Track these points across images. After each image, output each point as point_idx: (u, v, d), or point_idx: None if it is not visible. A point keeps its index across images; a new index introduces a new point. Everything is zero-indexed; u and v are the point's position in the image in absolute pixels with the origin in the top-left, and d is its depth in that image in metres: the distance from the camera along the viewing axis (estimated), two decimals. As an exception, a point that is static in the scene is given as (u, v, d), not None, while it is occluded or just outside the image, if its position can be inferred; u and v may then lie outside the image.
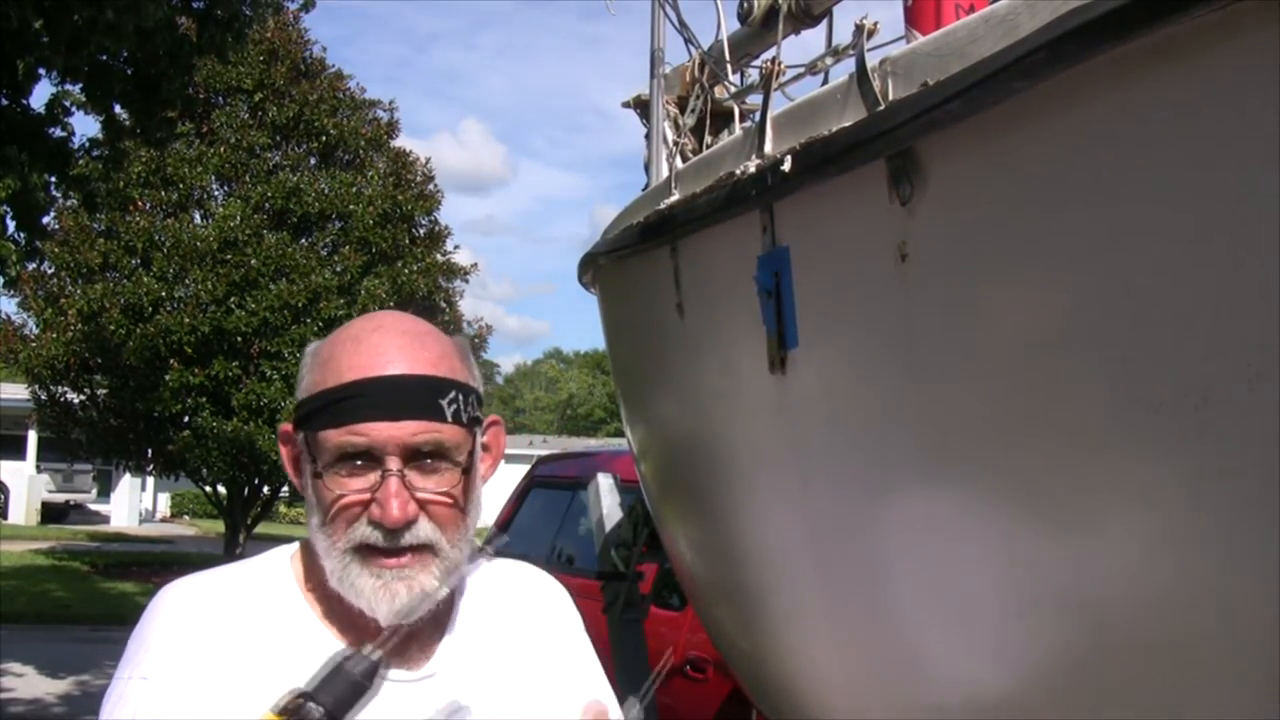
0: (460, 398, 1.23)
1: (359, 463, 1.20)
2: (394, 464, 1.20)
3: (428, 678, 1.26)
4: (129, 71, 6.88)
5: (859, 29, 1.38)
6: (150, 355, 14.10)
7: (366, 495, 1.20)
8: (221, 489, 15.26)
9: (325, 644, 1.22)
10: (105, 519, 26.51)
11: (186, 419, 14.38)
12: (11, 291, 13.85)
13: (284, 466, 1.29)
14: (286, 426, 1.26)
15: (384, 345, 1.23)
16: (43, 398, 16.03)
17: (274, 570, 1.28)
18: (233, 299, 13.98)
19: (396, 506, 1.19)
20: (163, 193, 14.95)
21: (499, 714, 1.27)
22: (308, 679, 1.18)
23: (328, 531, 1.22)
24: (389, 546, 1.21)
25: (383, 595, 1.23)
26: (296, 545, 1.30)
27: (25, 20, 5.74)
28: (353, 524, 1.21)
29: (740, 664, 2.12)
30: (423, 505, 1.21)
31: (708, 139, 2.30)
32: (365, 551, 1.21)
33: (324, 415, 1.21)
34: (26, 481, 25.52)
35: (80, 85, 6.93)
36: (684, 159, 2.05)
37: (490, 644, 1.32)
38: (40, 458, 25.38)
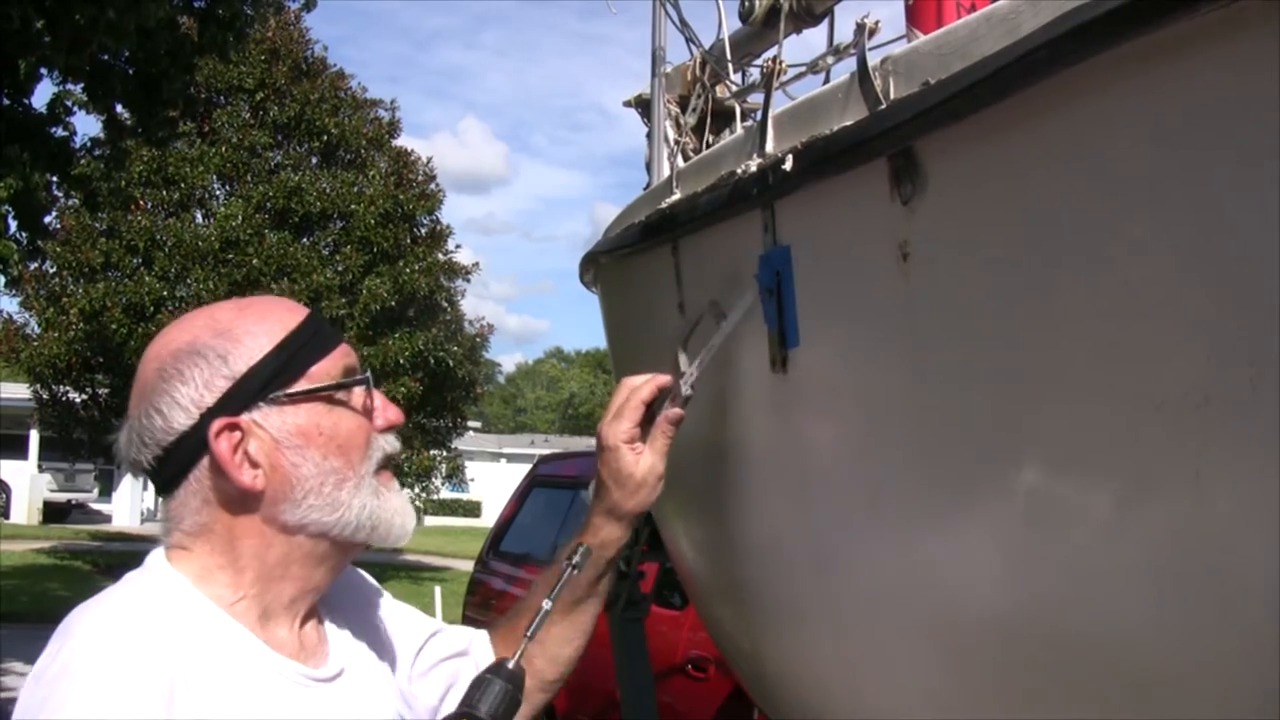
0: None
1: (360, 381, 1.26)
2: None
3: (339, 674, 1.29)
4: (130, 71, 6.89)
5: (860, 28, 1.38)
6: (152, 355, 14.08)
7: (370, 407, 1.27)
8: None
9: (270, 661, 1.22)
10: (107, 518, 26.52)
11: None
12: (13, 291, 13.88)
13: (233, 476, 1.19)
14: (221, 422, 1.19)
15: (279, 301, 1.31)
16: (44, 397, 16.06)
17: (181, 594, 1.20)
18: (234, 298, 14.01)
19: (394, 409, 1.30)
20: (164, 192, 14.97)
21: (397, 703, 1.37)
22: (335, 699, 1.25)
23: (346, 468, 1.24)
24: (394, 453, 1.29)
25: (408, 508, 1.31)
26: (164, 570, 1.22)
27: (27, 20, 5.74)
28: (370, 441, 1.27)
29: (741, 663, 2.12)
30: None
31: (709, 138, 2.30)
32: (380, 470, 1.27)
33: (303, 355, 1.23)
34: (28, 481, 25.52)
35: (82, 85, 6.94)
36: (685, 158, 2.05)
37: (347, 630, 1.37)
38: (42, 457, 25.39)
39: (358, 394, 1.27)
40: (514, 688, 1.30)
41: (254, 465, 1.20)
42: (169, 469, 1.22)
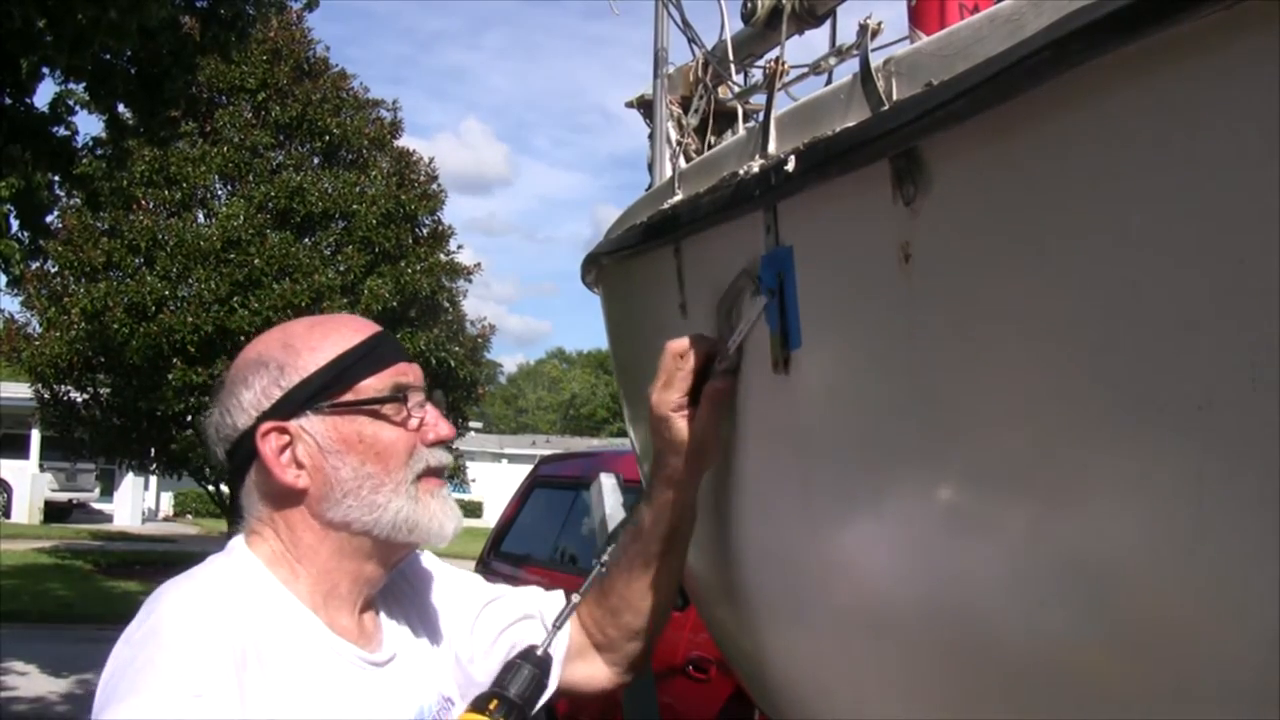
0: None
1: (402, 397, 1.38)
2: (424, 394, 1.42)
3: (392, 659, 1.42)
4: (132, 71, 6.90)
5: (863, 29, 1.37)
6: (153, 354, 14.13)
7: (418, 421, 1.40)
8: (224, 488, 15.27)
9: (331, 642, 1.36)
10: (108, 518, 26.55)
11: (189, 418, 14.42)
12: (15, 290, 13.91)
13: (278, 475, 1.35)
14: (268, 425, 1.34)
15: (350, 320, 1.44)
16: (46, 397, 16.07)
17: (255, 576, 1.35)
18: (236, 298, 14.02)
19: (446, 425, 1.43)
20: (166, 192, 14.99)
21: (449, 687, 1.50)
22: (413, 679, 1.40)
23: (383, 474, 1.36)
24: (439, 466, 1.41)
25: (449, 512, 1.42)
26: (243, 553, 1.38)
27: (29, 19, 5.75)
28: (412, 453, 1.39)
29: (742, 664, 2.12)
30: None
31: (711, 139, 2.30)
32: (422, 478, 1.39)
33: (354, 371, 1.36)
34: (29, 480, 25.56)
35: (84, 84, 6.95)
36: (687, 159, 2.05)
37: (402, 617, 1.51)
38: (43, 457, 25.44)
39: (409, 408, 1.40)
40: (541, 672, 1.48)
41: (299, 466, 1.35)
42: (234, 463, 1.38)
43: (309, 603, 1.35)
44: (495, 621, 1.61)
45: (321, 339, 1.38)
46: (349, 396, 1.36)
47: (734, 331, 1.59)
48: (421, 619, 1.53)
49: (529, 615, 1.64)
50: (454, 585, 1.61)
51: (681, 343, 1.62)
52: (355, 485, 1.34)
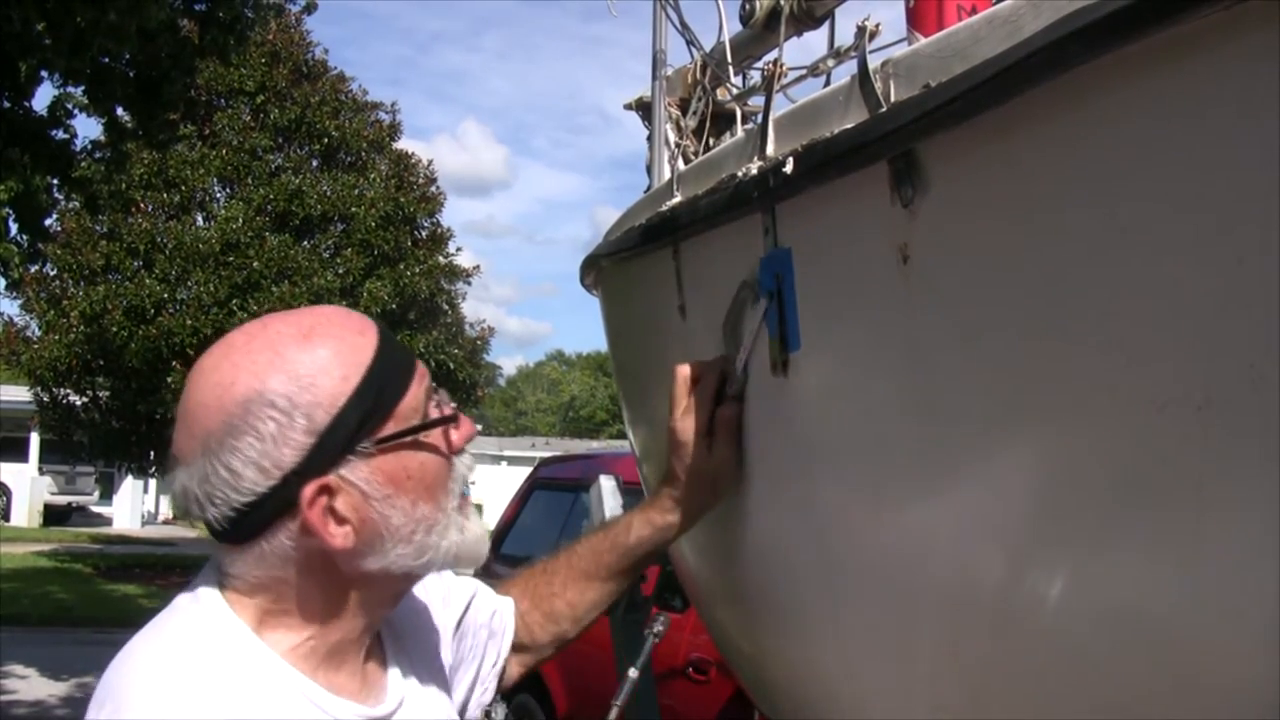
0: None
1: (455, 415, 1.16)
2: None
3: (399, 706, 1.22)
4: (131, 74, 6.90)
5: (861, 30, 1.37)
6: (152, 357, 14.12)
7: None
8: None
9: (332, 708, 1.14)
10: (108, 521, 26.51)
11: (188, 421, 14.38)
12: (14, 293, 13.91)
13: (324, 539, 1.08)
14: (313, 487, 1.06)
15: (343, 320, 1.14)
16: (45, 400, 16.06)
17: (238, 643, 1.09)
18: (235, 301, 14.02)
19: (466, 421, 1.18)
20: (165, 195, 14.98)
21: (449, 710, 1.33)
22: None
23: (436, 512, 1.14)
24: (468, 475, 1.21)
25: (485, 532, 1.25)
26: (222, 613, 1.11)
27: (27, 22, 5.76)
28: (452, 471, 1.17)
29: (742, 666, 2.12)
30: None
31: (709, 140, 2.30)
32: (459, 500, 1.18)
33: (387, 391, 1.11)
34: (29, 483, 25.52)
35: (82, 87, 6.94)
36: (686, 161, 2.05)
37: (401, 642, 1.30)
38: (42, 460, 25.40)
39: (437, 438, 1.16)
40: None
41: (341, 522, 1.09)
42: (243, 530, 1.08)
43: (306, 665, 1.11)
44: (472, 627, 1.50)
45: (331, 356, 1.09)
46: (391, 427, 1.10)
47: (740, 349, 1.59)
48: (416, 640, 1.34)
49: (493, 633, 1.54)
50: (436, 591, 1.46)
51: (691, 368, 1.60)
52: (409, 531, 1.11)
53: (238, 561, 1.10)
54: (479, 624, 1.52)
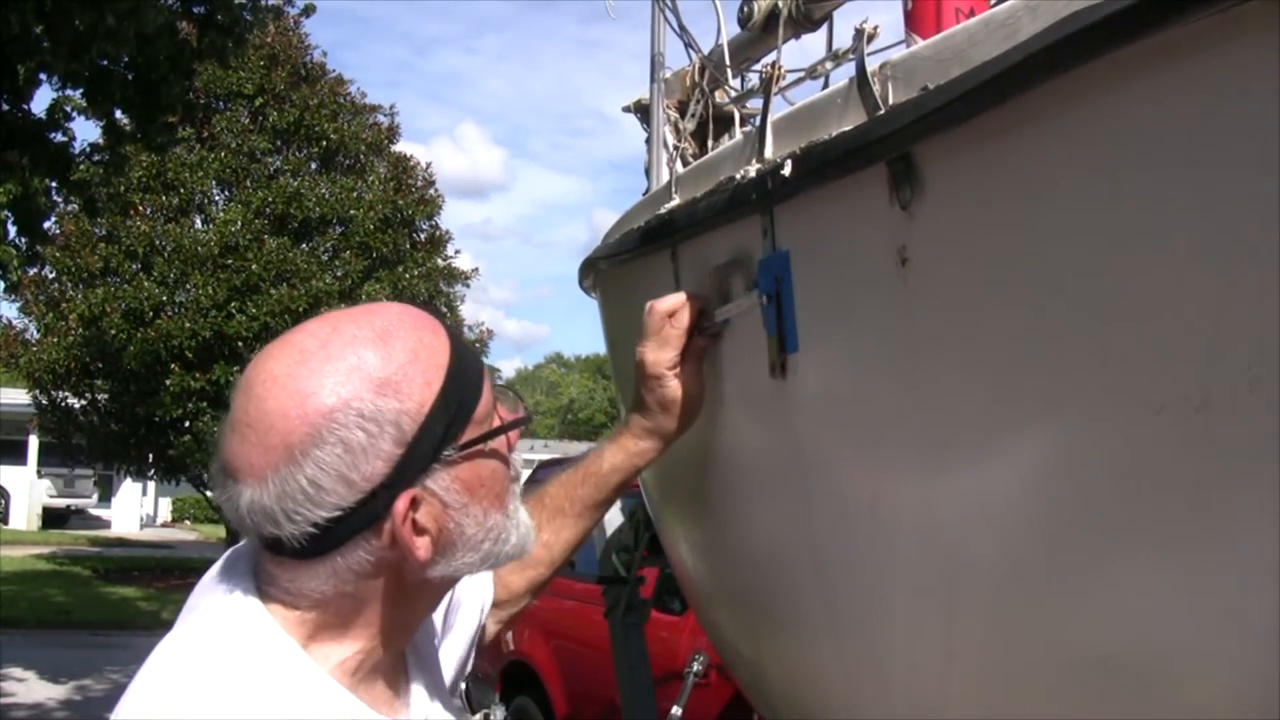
0: None
1: (528, 416, 1.15)
2: None
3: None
4: (130, 76, 6.89)
5: (859, 33, 1.38)
6: (151, 360, 14.12)
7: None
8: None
9: None
10: (106, 524, 26.49)
11: (187, 423, 14.42)
12: (12, 296, 13.91)
13: (411, 552, 1.03)
14: (405, 500, 1.01)
15: (413, 319, 1.09)
16: (44, 402, 16.05)
17: (286, 660, 1.03)
18: (233, 304, 14.01)
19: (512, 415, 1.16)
20: (163, 197, 14.97)
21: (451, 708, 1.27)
22: None
23: (504, 519, 1.10)
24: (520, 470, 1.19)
25: (532, 524, 1.19)
26: (268, 627, 1.04)
27: (26, 25, 5.76)
28: (510, 470, 1.13)
29: (741, 668, 2.12)
30: None
31: (708, 143, 2.30)
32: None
33: (467, 395, 1.07)
34: (27, 486, 25.50)
35: (81, 90, 6.94)
36: (684, 163, 2.05)
37: (426, 668, 1.25)
38: (41, 463, 25.38)
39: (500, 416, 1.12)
40: None
41: (421, 533, 1.04)
42: (320, 546, 1.01)
43: (350, 681, 1.05)
44: (456, 597, 1.43)
45: (412, 359, 1.03)
46: (470, 432, 1.05)
47: (723, 306, 1.63)
48: (423, 633, 1.28)
49: (473, 599, 1.49)
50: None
51: (669, 301, 1.64)
52: (479, 539, 1.07)
53: (300, 576, 1.03)
54: (460, 591, 1.43)
